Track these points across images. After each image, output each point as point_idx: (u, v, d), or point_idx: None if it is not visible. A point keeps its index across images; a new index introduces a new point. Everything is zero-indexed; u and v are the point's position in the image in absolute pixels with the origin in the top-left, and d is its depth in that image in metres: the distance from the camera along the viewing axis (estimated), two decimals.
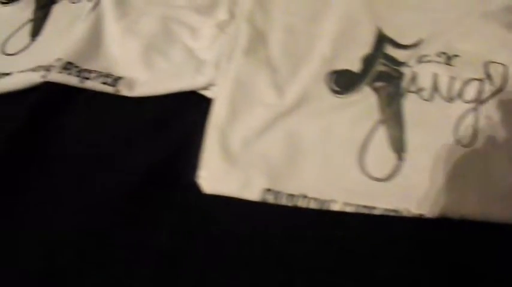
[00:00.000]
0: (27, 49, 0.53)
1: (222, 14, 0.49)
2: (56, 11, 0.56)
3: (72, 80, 0.46)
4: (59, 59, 0.48)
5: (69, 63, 0.47)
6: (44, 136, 0.45)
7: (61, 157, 0.44)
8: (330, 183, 0.39)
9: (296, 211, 0.38)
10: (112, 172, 0.42)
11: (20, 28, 0.55)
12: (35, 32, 0.54)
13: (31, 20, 0.55)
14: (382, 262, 0.36)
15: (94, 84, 0.46)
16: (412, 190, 0.39)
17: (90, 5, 0.54)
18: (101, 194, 0.41)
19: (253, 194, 0.39)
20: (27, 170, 0.43)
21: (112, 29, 0.51)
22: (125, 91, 0.46)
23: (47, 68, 0.47)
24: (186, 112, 0.44)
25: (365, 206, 0.38)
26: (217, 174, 0.40)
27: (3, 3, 0.58)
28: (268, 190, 0.39)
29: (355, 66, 0.45)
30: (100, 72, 0.48)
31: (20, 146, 0.44)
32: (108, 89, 0.46)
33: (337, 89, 0.44)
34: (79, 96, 0.47)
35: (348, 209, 0.38)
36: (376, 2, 0.49)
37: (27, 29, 0.54)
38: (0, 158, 0.43)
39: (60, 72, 0.46)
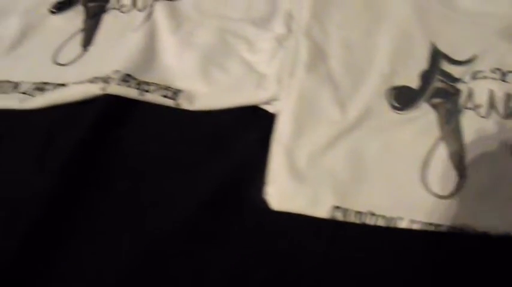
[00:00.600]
0: (79, 59, 0.52)
1: (279, 28, 0.50)
2: (107, 20, 0.55)
3: (131, 92, 0.46)
4: (116, 71, 0.47)
5: (128, 75, 0.47)
6: (105, 149, 0.45)
7: (122, 170, 0.44)
8: (396, 200, 0.40)
9: (365, 228, 0.38)
10: (177, 187, 0.42)
11: (70, 38, 0.54)
12: (87, 42, 0.54)
13: (82, 30, 0.55)
14: (452, 279, 0.37)
15: (154, 97, 0.46)
16: (474, 207, 0.39)
17: (142, 15, 0.54)
18: (165, 210, 0.41)
19: (322, 211, 0.39)
20: (88, 182, 0.43)
21: (167, 40, 0.51)
22: (185, 104, 0.46)
23: (105, 80, 0.47)
24: (247, 126, 0.45)
25: (431, 224, 0.38)
26: (285, 191, 0.40)
27: (52, 12, 0.57)
28: (337, 207, 0.39)
29: (414, 82, 0.45)
30: (158, 84, 0.47)
31: (82, 159, 0.44)
32: (169, 102, 0.46)
33: (397, 105, 0.44)
34: (137, 108, 0.47)
35: (415, 227, 0.38)
36: (428, 16, 0.49)
37: (78, 38, 0.54)
38: (63, 168, 0.43)
39: (120, 85, 0.46)
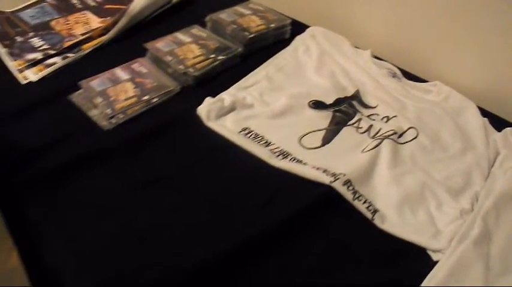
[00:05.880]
0: (317, 150, 0.72)
1: (465, 202, 0.66)
2: (344, 132, 0.75)
3: (348, 195, 0.64)
4: (342, 174, 0.66)
5: (349, 181, 0.66)
6: (309, 227, 0.62)
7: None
8: None
9: None
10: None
11: (316, 131, 0.76)
12: (326, 141, 0.73)
13: (325, 129, 0.76)
14: None
15: (360, 206, 0.64)
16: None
17: (371, 142, 0.73)
18: None
19: None
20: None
21: (383, 172, 0.69)
22: (377, 222, 0.63)
23: (334, 176, 0.65)
24: (409, 265, 0.60)
25: None
26: None
27: (309, 106, 0.80)
28: None
29: None
30: (366, 198, 0.66)
31: (293, 225, 0.63)
32: (368, 215, 0.63)
33: None
34: (341, 206, 0.65)
35: None
36: None
37: (321, 135, 0.75)
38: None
39: (343, 185, 0.65)
